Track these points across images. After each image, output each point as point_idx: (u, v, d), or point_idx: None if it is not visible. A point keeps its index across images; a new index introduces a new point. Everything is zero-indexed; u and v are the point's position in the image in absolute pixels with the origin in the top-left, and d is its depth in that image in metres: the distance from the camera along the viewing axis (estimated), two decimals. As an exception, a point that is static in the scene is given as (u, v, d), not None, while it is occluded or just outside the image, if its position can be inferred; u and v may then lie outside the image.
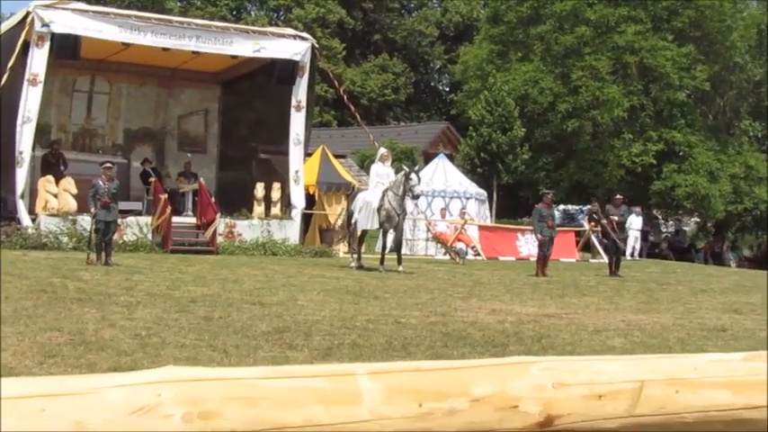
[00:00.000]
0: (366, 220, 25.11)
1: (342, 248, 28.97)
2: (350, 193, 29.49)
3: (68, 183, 27.84)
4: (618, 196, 30.12)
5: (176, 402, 1.72)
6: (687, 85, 50.64)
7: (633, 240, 38.90)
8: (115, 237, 23.82)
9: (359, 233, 25.89)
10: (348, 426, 1.84)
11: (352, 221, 25.58)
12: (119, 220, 24.20)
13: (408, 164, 29.45)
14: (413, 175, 24.85)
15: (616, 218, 28.74)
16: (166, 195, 28.53)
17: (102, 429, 1.65)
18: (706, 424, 2.25)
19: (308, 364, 1.92)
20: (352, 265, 25.08)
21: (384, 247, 25.58)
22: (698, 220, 59.16)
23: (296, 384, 1.83)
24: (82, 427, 1.65)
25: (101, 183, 22.72)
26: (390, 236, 25.49)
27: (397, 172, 25.79)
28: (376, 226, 25.33)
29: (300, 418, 1.81)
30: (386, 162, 26.19)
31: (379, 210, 24.73)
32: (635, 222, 38.68)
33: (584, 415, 2.09)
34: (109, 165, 23.50)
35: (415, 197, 26.08)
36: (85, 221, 24.85)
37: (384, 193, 24.79)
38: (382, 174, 25.64)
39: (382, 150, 27.20)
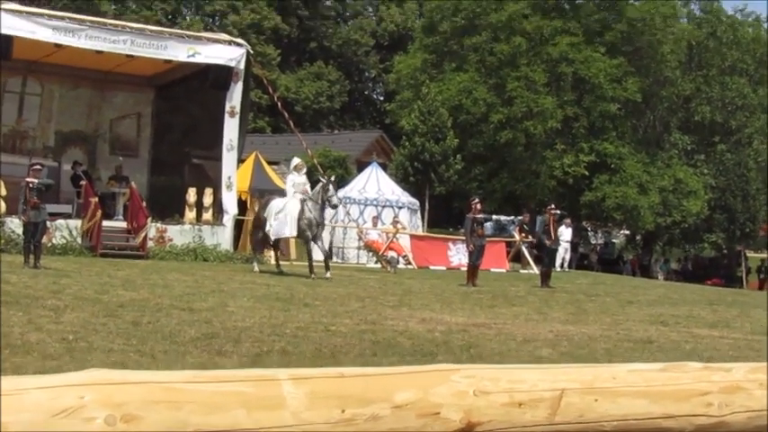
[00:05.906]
0: (283, 226, 25.49)
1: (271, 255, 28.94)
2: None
3: (-3, 184, 27.48)
4: (553, 207, 30.27)
5: (99, 405, 1.73)
6: (619, 96, 51.13)
7: (563, 252, 39.19)
8: (44, 239, 23.53)
9: (272, 240, 26.67)
10: (272, 430, 1.86)
11: (266, 228, 25.98)
12: (47, 223, 23.91)
13: (326, 175, 29.46)
14: (330, 186, 25.83)
15: (553, 232, 29.07)
16: (97, 199, 28.29)
17: (25, 431, 1.66)
18: (624, 432, 2.29)
19: (232, 369, 1.93)
20: (256, 269, 25.62)
21: (310, 256, 25.70)
22: (627, 232, 59.74)
23: (219, 389, 1.85)
24: (4, 428, 1.65)
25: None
26: (313, 245, 25.79)
27: (314, 183, 26.27)
28: (294, 234, 25.95)
29: (224, 423, 1.82)
30: (300, 171, 26.60)
31: (300, 219, 25.23)
32: (565, 234, 39.00)
33: (505, 422, 2.12)
34: (38, 167, 23.21)
35: (334, 206, 27.87)
36: (14, 224, 24.54)
37: (303, 203, 25.42)
38: (298, 183, 26.07)
39: (296, 161, 27.53)
